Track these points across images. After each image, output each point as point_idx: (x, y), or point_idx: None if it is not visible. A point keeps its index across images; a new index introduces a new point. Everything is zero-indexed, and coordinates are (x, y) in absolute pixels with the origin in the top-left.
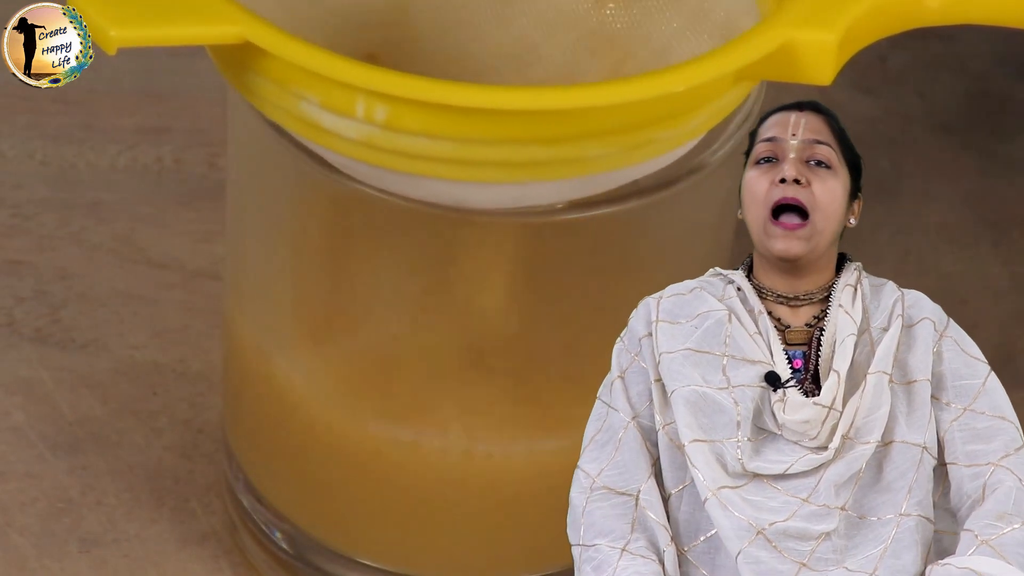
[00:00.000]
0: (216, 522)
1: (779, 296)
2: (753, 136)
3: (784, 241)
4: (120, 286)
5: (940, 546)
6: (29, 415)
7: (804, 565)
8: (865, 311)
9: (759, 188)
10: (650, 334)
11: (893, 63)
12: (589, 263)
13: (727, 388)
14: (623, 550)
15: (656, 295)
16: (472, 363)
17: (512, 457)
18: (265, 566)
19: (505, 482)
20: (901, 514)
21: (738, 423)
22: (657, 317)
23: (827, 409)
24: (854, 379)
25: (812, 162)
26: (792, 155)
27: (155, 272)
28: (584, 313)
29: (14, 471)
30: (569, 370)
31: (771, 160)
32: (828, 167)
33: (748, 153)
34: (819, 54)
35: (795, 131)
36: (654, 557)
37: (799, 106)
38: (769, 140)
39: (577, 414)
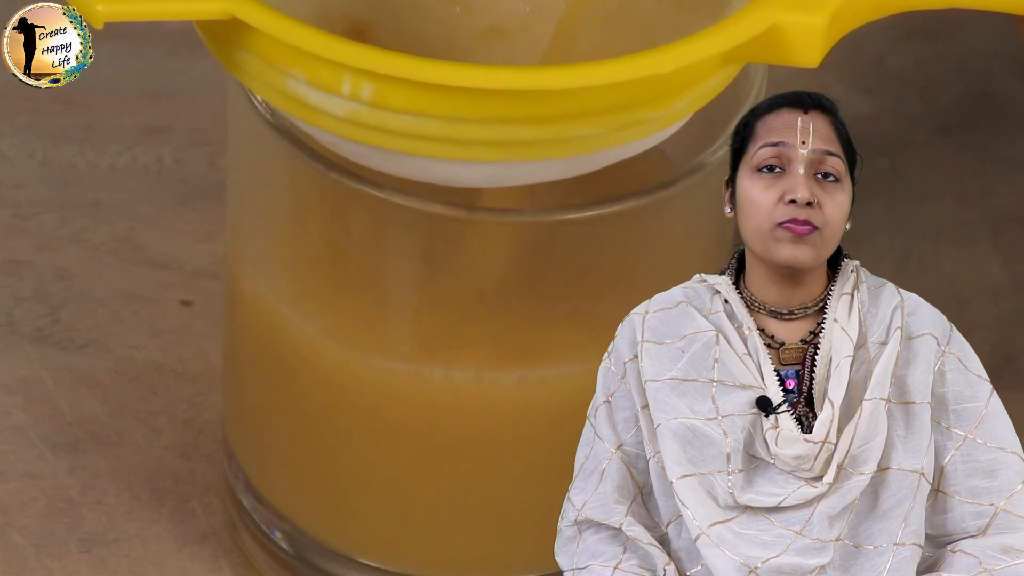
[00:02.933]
0: (216, 522)
1: (771, 310)
2: (748, 128)
3: (792, 247)
4: (120, 286)
5: None
6: (29, 415)
7: None
8: (862, 323)
9: (764, 201)
10: (635, 356)
11: (893, 63)
12: (589, 263)
13: (716, 418)
14: (615, 568)
15: (642, 309)
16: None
17: (514, 386)
18: (265, 566)
19: (505, 417)
20: (897, 543)
21: (728, 455)
22: (642, 337)
23: (820, 444)
24: (850, 401)
25: (819, 174)
26: (801, 169)
27: (155, 272)
28: (584, 313)
29: (14, 471)
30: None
31: (775, 169)
32: (836, 180)
33: (740, 149)
34: (806, 37)
35: (804, 138)
36: (647, 574)
37: (802, 103)
38: (774, 145)
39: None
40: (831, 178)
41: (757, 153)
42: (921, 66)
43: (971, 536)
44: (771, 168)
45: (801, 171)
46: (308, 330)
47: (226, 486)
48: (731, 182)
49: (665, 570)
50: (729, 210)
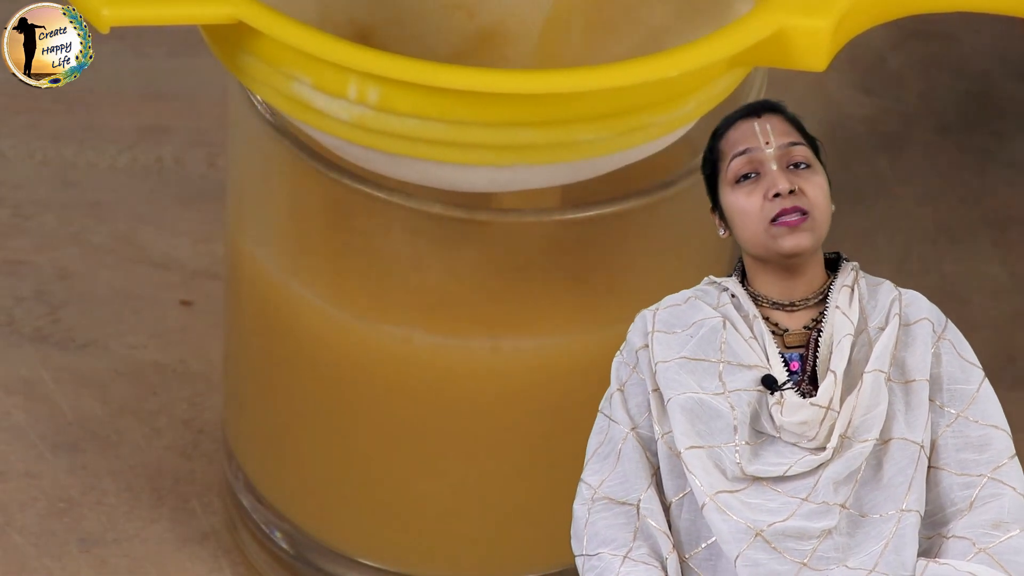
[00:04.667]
0: (216, 522)
1: (775, 303)
2: (714, 153)
3: (793, 238)
4: (120, 286)
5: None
6: (29, 415)
7: (804, 565)
8: (862, 311)
9: (751, 206)
10: (646, 345)
11: (893, 63)
12: (589, 263)
13: (723, 393)
14: (625, 557)
15: (652, 307)
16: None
17: (528, 352)
18: (265, 566)
19: (512, 385)
20: (903, 510)
21: (735, 427)
22: (653, 328)
23: (824, 409)
24: (851, 378)
25: (792, 165)
26: (774, 166)
27: (155, 272)
28: (584, 314)
29: (14, 471)
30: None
31: (751, 176)
32: (808, 165)
33: (712, 173)
34: (813, 40)
35: (767, 139)
36: (656, 564)
37: (755, 111)
38: (742, 154)
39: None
40: (803, 165)
41: (730, 167)
42: (921, 66)
43: (960, 511)
44: (747, 176)
45: (774, 167)
46: (308, 324)
47: (226, 486)
48: (716, 207)
49: (667, 559)
50: (723, 231)
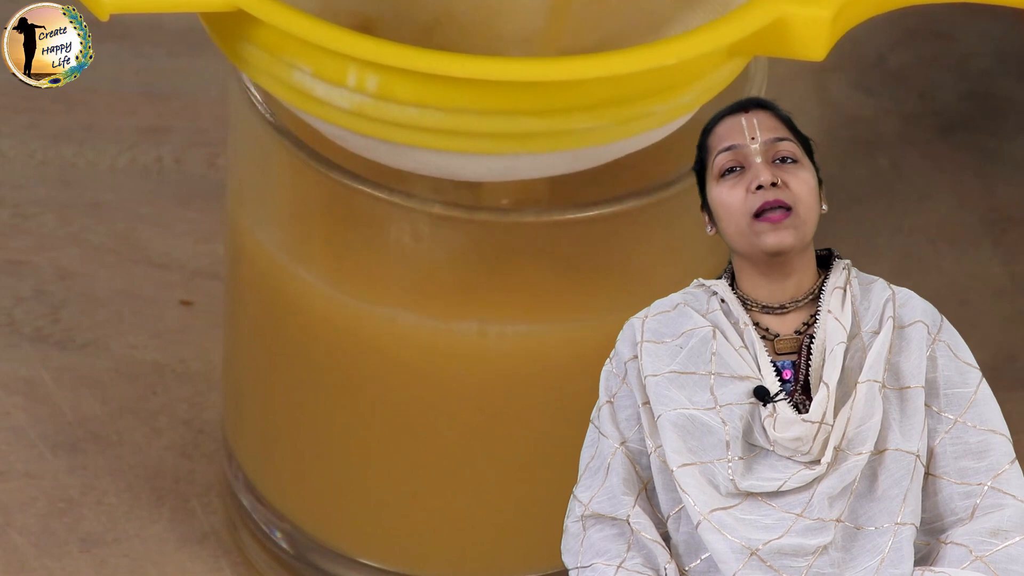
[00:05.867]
0: (216, 522)
1: (764, 307)
2: (703, 150)
3: (775, 234)
4: (120, 286)
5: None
6: (29, 415)
7: None
8: (855, 314)
9: (734, 200)
10: (635, 356)
11: (893, 63)
12: (588, 262)
13: (714, 408)
14: (619, 567)
15: (641, 314)
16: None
17: (513, 337)
18: (265, 566)
19: (509, 374)
20: (898, 523)
21: (727, 443)
22: (642, 338)
23: (818, 424)
24: (845, 387)
25: (778, 160)
26: (758, 159)
27: (155, 272)
28: (583, 313)
29: (14, 471)
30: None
31: (735, 170)
32: (795, 161)
33: (701, 169)
34: (812, 29)
35: (753, 134)
36: (651, 574)
37: (743, 107)
38: (728, 149)
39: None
40: (789, 160)
41: (715, 162)
42: (921, 66)
43: (960, 520)
44: (732, 170)
45: (759, 160)
46: (307, 306)
47: (226, 486)
48: (705, 205)
49: (666, 568)
50: (710, 229)
